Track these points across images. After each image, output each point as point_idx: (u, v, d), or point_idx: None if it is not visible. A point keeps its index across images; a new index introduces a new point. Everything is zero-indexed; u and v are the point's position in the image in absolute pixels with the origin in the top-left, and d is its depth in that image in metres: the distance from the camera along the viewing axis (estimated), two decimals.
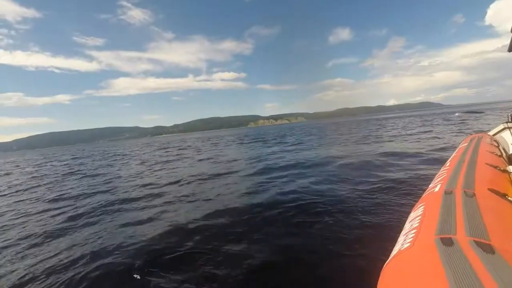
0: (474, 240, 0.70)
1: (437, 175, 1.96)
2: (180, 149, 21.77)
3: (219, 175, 7.52)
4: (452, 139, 10.40)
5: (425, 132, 14.86)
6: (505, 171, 1.86)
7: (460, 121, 20.48)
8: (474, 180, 1.47)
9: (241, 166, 8.74)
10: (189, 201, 5.06)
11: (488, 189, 1.32)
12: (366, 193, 4.34)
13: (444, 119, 25.56)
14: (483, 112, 28.97)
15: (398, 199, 3.87)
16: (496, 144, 3.01)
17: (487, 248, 0.65)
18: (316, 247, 2.88)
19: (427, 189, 1.65)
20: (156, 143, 43.90)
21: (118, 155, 22.37)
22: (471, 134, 3.71)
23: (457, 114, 33.01)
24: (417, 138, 11.76)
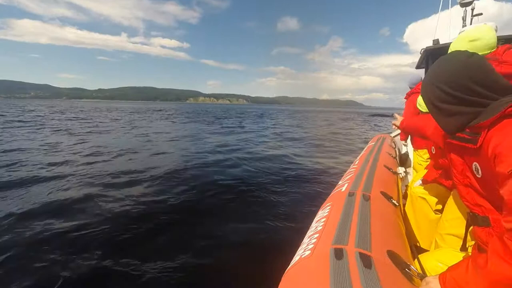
0: (359, 252, 0.77)
1: (346, 173, 2.17)
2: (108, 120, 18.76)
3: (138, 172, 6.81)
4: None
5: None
6: (395, 173, 2.20)
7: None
8: (372, 182, 1.65)
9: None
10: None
11: (380, 192, 1.50)
12: (276, 184, 4.37)
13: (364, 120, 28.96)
14: (389, 116, 34.73)
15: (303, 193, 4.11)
16: (393, 146, 3.61)
17: (366, 262, 0.72)
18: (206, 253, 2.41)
19: (336, 187, 1.78)
20: (73, 109, 35.91)
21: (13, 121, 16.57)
22: (378, 134, 4.36)
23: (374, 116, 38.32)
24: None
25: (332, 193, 1.63)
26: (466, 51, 0.79)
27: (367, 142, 4.04)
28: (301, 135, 11.86)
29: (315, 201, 3.52)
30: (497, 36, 1.36)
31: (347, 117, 32.03)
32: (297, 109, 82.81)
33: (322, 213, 1.26)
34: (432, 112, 0.84)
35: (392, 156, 2.87)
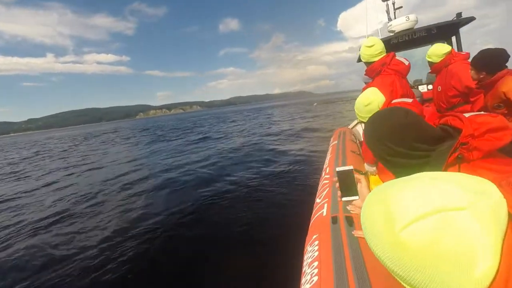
0: None
1: (321, 185, 2.18)
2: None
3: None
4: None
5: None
6: (365, 174, 2.27)
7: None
8: None
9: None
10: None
11: None
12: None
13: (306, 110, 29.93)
14: (334, 102, 36.94)
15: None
16: (354, 139, 3.78)
17: None
18: None
19: (316, 207, 1.76)
20: None
21: None
22: (338, 128, 4.56)
23: (315, 104, 40.25)
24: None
25: (314, 218, 1.61)
26: (401, 109, 0.86)
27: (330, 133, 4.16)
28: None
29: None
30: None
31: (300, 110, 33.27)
32: (252, 108, 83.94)
33: (312, 251, 1.24)
34: (384, 164, 0.90)
35: (357, 154, 3.00)
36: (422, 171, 0.56)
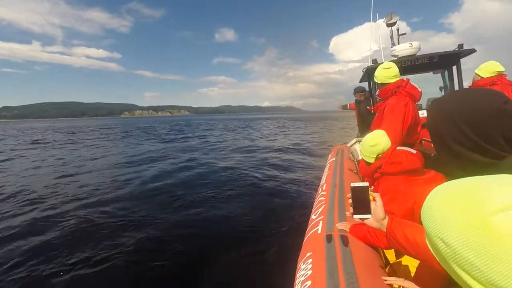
0: None
1: (316, 202, 2.15)
2: None
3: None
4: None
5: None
6: None
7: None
8: (345, 216, 1.64)
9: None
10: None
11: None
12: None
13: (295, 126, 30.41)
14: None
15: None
16: (352, 158, 3.76)
17: None
18: None
19: (310, 223, 1.72)
20: None
21: None
22: (336, 145, 4.54)
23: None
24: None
25: (308, 235, 1.58)
26: (500, 92, 0.68)
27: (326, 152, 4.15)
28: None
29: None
30: None
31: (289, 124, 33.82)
32: (244, 117, 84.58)
33: (305, 270, 1.20)
34: (437, 146, 0.76)
35: (355, 173, 2.98)
36: (483, 174, 0.45)
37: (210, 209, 4.05)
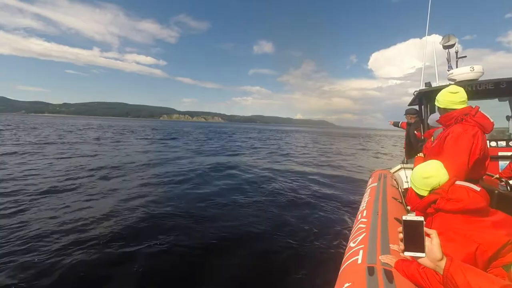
0: None
1: (356, 229, 2.04)
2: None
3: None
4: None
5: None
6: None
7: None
8: (389, 249, 1.58)
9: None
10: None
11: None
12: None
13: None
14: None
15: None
16: (396, 185, 3.52)
17: None
18: None
19: (348, 252, 1.63)
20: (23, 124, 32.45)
21: None
22: (377, 170, 4.31)
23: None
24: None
25: (345, 264, 1.49)
26: None
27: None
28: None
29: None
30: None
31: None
32: (278, 128, 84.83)
33: None
34: None
35: (399, 202, 2.78)
36: None
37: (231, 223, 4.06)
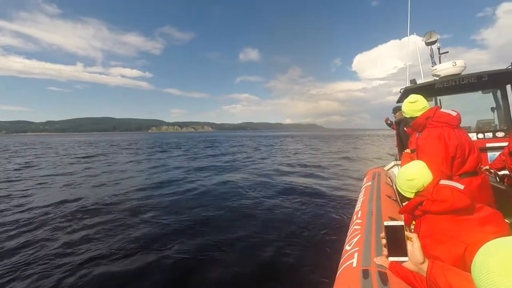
0: None
1: (351, 230, 2.03)
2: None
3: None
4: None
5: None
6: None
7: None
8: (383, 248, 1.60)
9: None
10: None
11: None
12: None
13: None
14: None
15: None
16: (390, 183, 3.49)
17: None
18: None
19: (344, 255, 1.61)
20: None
21: None
22: (372, 168, 4.29)
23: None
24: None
25: (342, 268, 1.48)
26: None
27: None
28: None
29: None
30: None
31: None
32: (268, 134, 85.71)
33: None
34: None
35: (393, 199, 2.76)
36: None
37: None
